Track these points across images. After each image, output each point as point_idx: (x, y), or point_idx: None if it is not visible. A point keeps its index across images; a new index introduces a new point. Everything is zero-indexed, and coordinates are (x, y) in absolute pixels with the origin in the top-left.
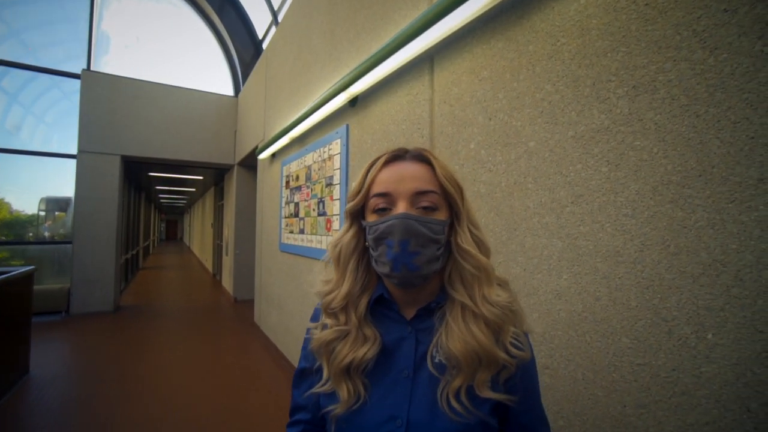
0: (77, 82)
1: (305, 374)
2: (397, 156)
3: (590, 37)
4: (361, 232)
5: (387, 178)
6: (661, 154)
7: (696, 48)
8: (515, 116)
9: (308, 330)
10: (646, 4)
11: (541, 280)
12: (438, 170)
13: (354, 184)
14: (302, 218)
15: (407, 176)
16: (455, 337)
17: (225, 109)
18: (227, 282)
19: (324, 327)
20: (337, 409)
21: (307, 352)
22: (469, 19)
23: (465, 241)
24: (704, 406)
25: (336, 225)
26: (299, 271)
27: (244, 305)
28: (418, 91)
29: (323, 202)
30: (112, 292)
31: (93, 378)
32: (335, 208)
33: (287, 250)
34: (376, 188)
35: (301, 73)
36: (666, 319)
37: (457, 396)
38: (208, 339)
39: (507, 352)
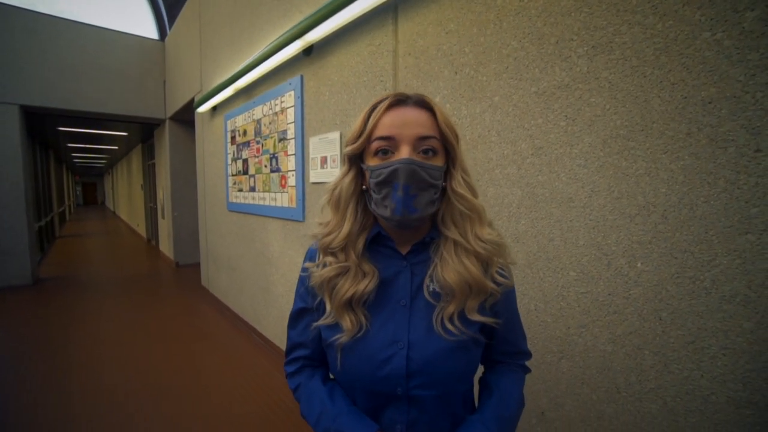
0: None
1: (302, 313)
2: (400, 100)
3: None
4: (360, 175)
5: (391, 122)
6: (612, 110)
7: (648, 13)
8: (481, 71)
9: (304, 269)
10: None
11: (502, 226)
12: (439, 117)
13: (353, 128)
14: (252, 175)
15: (411, 121)
16: (449, 268)
17: (149, 55)
18: (166, 246)
19: (323, 265)
20: (342, 338)
21: (302, 292)
22: None
23: (459, 185)
24: (630, 320)
25: (292, 181)
26: (251, 230)
27: (189, 269)
28: (380, 41)
29: (276, 158)
30: (28, 262)
31: (15, 363)
32: (290, 163)
33: (236, 209)
34: (380, 131)
35: (244, 15)
36: (606, 253)
37: (450, 319)
38: (152, 306)
39: (494, 281)
